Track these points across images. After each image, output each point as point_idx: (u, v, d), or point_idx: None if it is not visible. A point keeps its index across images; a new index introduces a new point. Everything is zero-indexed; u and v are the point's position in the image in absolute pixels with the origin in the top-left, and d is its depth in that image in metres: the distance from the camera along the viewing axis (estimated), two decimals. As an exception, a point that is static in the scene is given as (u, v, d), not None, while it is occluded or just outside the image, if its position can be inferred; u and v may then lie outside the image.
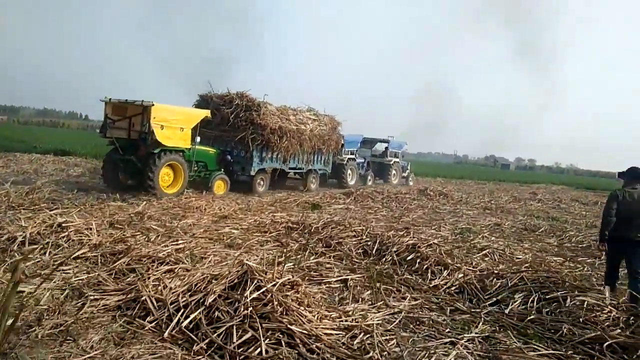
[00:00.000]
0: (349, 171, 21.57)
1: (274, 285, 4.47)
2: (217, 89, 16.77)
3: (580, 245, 10.67)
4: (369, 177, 23.83)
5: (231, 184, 14.88)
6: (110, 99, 12.68)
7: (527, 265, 7.97)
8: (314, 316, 4.38)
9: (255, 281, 4.45)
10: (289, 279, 4.71)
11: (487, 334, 4.79)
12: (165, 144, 12.28)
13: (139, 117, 12.41)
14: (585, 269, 8.25)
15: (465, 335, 4.69)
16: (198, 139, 13.58)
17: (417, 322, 4.99)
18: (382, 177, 25.30)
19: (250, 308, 4.10)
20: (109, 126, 12.55)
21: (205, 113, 13.84)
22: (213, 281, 4.60)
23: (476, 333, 4.77)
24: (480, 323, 5.03)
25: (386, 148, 25.58)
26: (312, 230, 8.73)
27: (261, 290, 4.35)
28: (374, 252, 7.57)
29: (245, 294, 4.24)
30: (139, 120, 12.39)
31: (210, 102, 15.90)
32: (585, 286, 5.69)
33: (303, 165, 17.88)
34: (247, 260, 5.35)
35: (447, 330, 4.85)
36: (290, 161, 17.07)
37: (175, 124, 12.66)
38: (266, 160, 15.97)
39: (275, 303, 4.20)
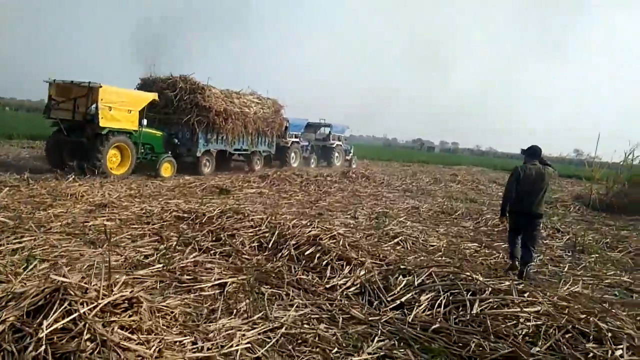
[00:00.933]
0: (293, 154, 21.86)
1: (95, 307, 3.20)
2: (161, 72, 16.80)
3: (497, 229, 10.16)
4: (312, 160, 24.03)
5: (177, 166, 14.76)
6: (54, 80, 12.44)
7: (440, 254, 7.22)
8: (152, 348, 3.17)
9: (67, 302, 3.15)
10: (123, 295, 3.45)
11: (384, 353, 3.82)
12: (113, 126, 12.28)
13: (83, 98, 12.28)
14: (501, 256, 7.63)
15: (354, 358, 3.67)
16: (145, 121, 13.50)
17: (299, 342, 3.91)
18: (325, 160, 25.54)
19: (45, 346, 2.82)
20: (52, 107, 12.46)
21: (153, 96, 13.82)
22: (10, 303, 3.26)
23: (370, 353, 3.77)
24: (377, 338, 4.05)
25: (329, 132, 25.95)
26: (204, 221, 7.45)
27: (72, 317, 3.07)
28: (270, 246, 6.44)
29: (44, 325, 2.95)
30: (84, 102, 12.27)
31: (153, 86, 15.82)
32: (499, 287, 4.85)
33: (247, 147, 18.10)
34: (104, 261, 4.07)
35: (334, 351, 3.81)
36: (234, 143, 17.25)
37: (123, 105, 12.64)
38: (211, 142, 16.17)
39: (86, 337, 2.94)
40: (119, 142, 12.57)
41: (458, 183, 21.73)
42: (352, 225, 8.77)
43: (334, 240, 6.40)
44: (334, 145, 25.68)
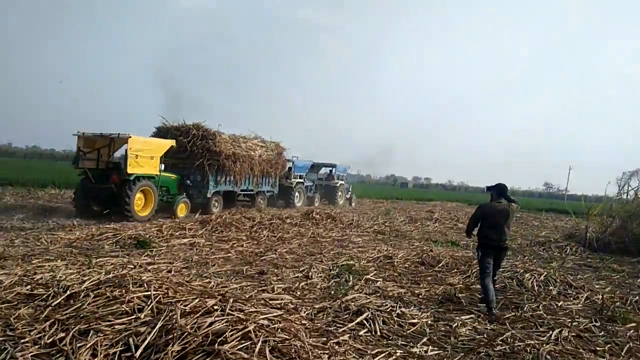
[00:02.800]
0: (297, 193, 22.39)
1: None
2: (175, 119, 17.41)
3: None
4: (316, 199, 24.62)
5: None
6: (83, 133, 13.18)
7: (424, 341, 4.61)
8: None
9: None
10: None
11: None
12: (139, 172, 12.99)
13: (106, 148, 13.71)
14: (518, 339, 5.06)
15: None
16: (162, 166, 14.14)
17: None
18: (328, 199, 25.91)
19: None
20: (81, 158, 13.20)
21: (172, 143, 14.65)
22: None
23: None
24: None
25: (330, 172, 26.87)
26: (61, 302, 4.67)
27: None
28: (138, 355, 3.70)
29: None
30: (106, 152, 13.74)
31: (168, 133, 16.48)
32: None
33: (252, 187, 18.85)
34: None
35: None
36: (241, 184, 17.96)
37: (147, 153, 13.35)
38: (220, 184, 16.89)
39: None
40: (144, 187, 13.24)
41: (435, 221, 19.32)
42: (296, 296, 6.09)
43: (248, 342, 3.69)
44: (338, 185, 26.28)
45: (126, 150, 12.93)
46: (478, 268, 6.83)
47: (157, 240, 9.62)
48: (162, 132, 16.89)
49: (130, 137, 12.87)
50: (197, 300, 4.45)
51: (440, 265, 9.02)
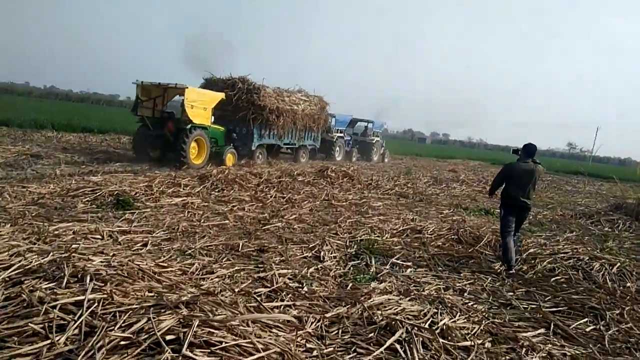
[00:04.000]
0: (337, 148, 22.45)
1: None
2: (220, 72, 17.64)
3: (555, 278, 5.96)
4: (354, 154, 24.25)
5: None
6: (142, 81, 13.56)
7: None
8: None
9: None
10: None
11: None
12: (194, 122, 13.29)
13: (160, 97, 13.93)
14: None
15: None
16: (213, 118, 14.47)
17: None
18: (363, 155, 25.37)
19: None
20: (140, 106, 13.70)
21: (222, 95, 14.97)
22: None
23: None
24: None
25: (366, 127, 26.65)
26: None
27: None
28: None
29: None
30: (161, 101, 13.99)
31: (215, 86, 16.63)
32: None
33: (295, 142, 18.96)
34: None
35: None
36: (284, 138, 18.15)
37: (201, 104, 13.70)
38: (264, 137, 17.11)
39: None
40: (198, 136, 13.56)
41: (462, 183, 17.53)
42: (301, 294, 4.50)
43: None
44: (374, 141, 25.99)
45: (183, 100, 13.27)
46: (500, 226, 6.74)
47: (143, 199, 8.07)
48: (210, 84, 17.13)
49: (187, 87, 13.29)
50: (144, 321, 2.86)
51: (480, 243, 7.34)
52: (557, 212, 12.80)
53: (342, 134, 23.25)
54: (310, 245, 6.43)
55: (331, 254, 6.18)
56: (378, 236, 7.45)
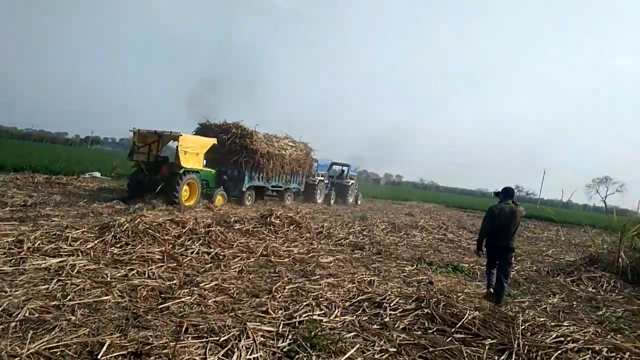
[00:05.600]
0: (318, 191, 22.85)
1: None
2: (212, 117, 18.40)
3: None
4: (332, 196, 24.47)
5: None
6: (139, 129, 14.14)
7: None
8: None
9: None
10: None
11: None
12: (187, 166, 13.93)
13: (156, 143, 14.72)
14: None
15: None
16: (204, 162, 15.07)
17: None
18: (339, 197, 25.44)
19: None
20: (135, 151, 14.32)
21: (214, 141, 15.52)
22: None
23: None
24: None
25: (342, 171, 26.97)
26: None
27: None
28: None
29: None
30: (156, 147, 14.79)
31: (209, 130, 17.49)
32: None
33: (282, 184, 19.61)
34: None
35: None
36: (272, 180, 18.73)
37: (193, 150, 14.37)
38: (254, 179, 17.63)
39: None
40: (190, 180, 14.14)
41: (421, 230, 15.85)
42: None
43: None
44: (350, 184, 26.14)
45: (177, 146, 13.84)
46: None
47: (4, 258, 5.68)
48: (204, 129, 17.87)
49: (180, 135, 13.92)
50: None
51: (460, 323, 5.39)
52: (529, 267, 11.21)
53: (323, 178, 23.83)
54: (222, 339, 4.27)
55: (251, 354, 4.05)
56: (323, 315, 5.39)
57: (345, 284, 7.06)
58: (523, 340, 4.94)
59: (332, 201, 24.30)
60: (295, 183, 20.71)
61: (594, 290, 9.14)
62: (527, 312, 6.35)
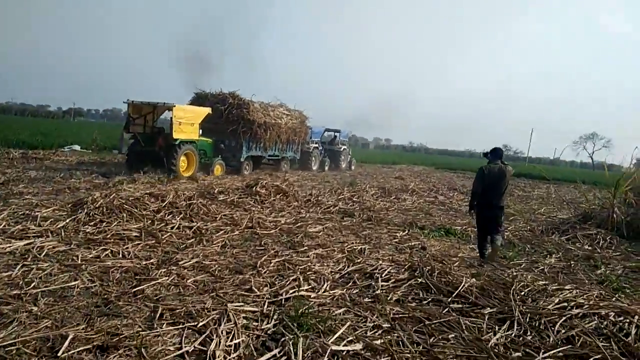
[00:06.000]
0: (313, 158, 23.00)
1: None
2: (207, 86, 18.39)
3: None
4: (326, 163, 24.52)
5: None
6: (132, 100, 14.06)
7: None
8: None
9: None
10: None
11: None
12: (183, 137, 14.05)
13: (150, 115, 14.68)
14: None
15: None
16: (200, 131, 15.09)
17: None
18: (334, 163, 25.42)
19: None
20: (131, 123, 14.31)
21: (208, 111, 15.49)
22: None
23: None
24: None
25: (335, 136, 26.81)
26: None
27: None
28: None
29: None
30: (151, 118, 14.75)
31: (205, 100, 17.36)
32: None
33: (279, 153, 19.77)
34: None
35: None
36: (269, 150, 18.83)
37: (188, 120, 14.39)
38: (252, 149, 17.79)
39: None
40: (187, 150, 14.21)
41: (412, 193, 15.55)
42: None
43: None
44: (342, 149, 26.23)
45: (171, 117, 13.82)
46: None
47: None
48: (200, 99, 17.73)
49: (174, 105, 13.85)
50: None
51: (457, 292, 5.08)
52: (523, 226, 10.99)
53: (317, 145, 23.92)
54: (200, 324, 3.90)
55: (232, 339, 3.69)
56: (311, 289, 5.05)
57: (334, 254, 6.71)
58: (524, 307, 4.64)
59: (326, 167, 24.40)
60: (291, 151, 20.85)
61: (590, 248, 8.94)
62: (525, 275, 6.07)
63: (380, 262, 6.21)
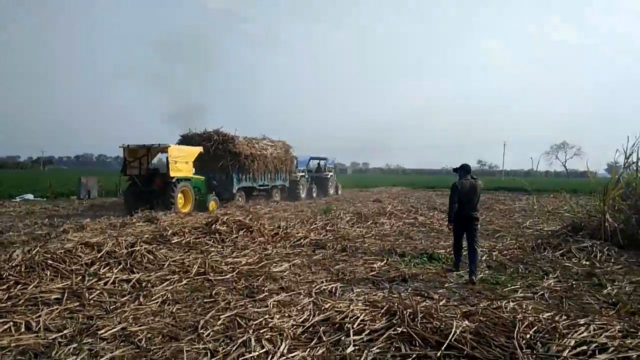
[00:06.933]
0: (301, 186, 23.27)
1: None
2: (193, 127, 19.07)
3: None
4: (313, 190, 24.96)
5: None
6: (128, 145, 14.76)
7: None
8: None
9: None
10: None
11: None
12: (178, 175, 14.71)
13: (145, 157, 15.26)
14: None
15: None
16: (193, 170, 15.82)
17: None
18: (320, 190, 25.82)
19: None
20: (127, 166, 14.93)
21: (200, 149, 16.35)
22: None
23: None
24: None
25: (319, 164, 27.30)
26: None
27: None
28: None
29: None
30: (146, 159, 15.34)
31: (192, 140, 18.04)
32: None
33: (268, 182, 20.41)
34: None
35: None
36: (259, 180, 19.57)
37: (183, 159, 15.07)
38: (242, 181, 18.59)
39: None
40: (183, 187, 14.95)
41: (390, 216, 14.56)
42: None
43: None
44: (328, 176, 26.93)
45: (167, 157, 14.61)
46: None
47: None
48: (186, 139, 18.34)
49: (169, 146, 14.75)
50: None
51: (447, 342, 4.02)
52: (511, 243, 10.08)
53: (303, 173, 24.24)
54: None
55: None
56: (266, 354, 3.93)
57: (299, 299, 5.61)
58: (533, 357, 3.60)
59: (314, 194, 24.75)
60: (280, 180, 21.52)
61: (588, 263, 8.02)
62: (525, 306, 5.06)
63: (354, 305, 5.13)
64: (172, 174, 14.33)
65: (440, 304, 5.15)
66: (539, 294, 6.10)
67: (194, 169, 15.78)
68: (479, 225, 7.49)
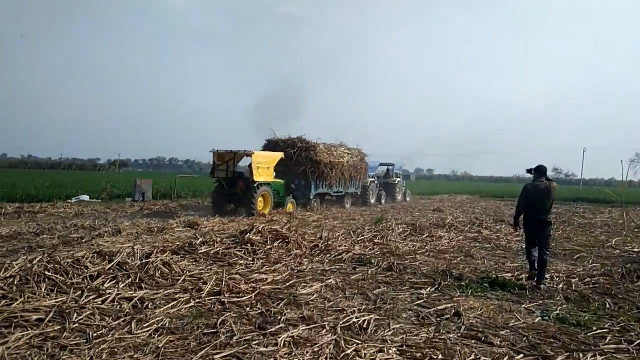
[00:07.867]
0: (371, 192, 23.39)
1: None
2: (278, 132, 19.87)
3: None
4: (382, 196, 24.87)
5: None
6: (217, 150, 16.23)
7: None
8: None
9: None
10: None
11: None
12: (260, 180, 15.70)
13: (232, 161, 16.74)
14: None
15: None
16: (274, 174, 16.87)
17: None
18: (388, 196, 25.75)
19: None
20: (216, 169, 16.40)
21: (281, 155, 17.35)
22: None
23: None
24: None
25: (388, 170, 27.30)
26: None
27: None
28: None
29: None
30: (232, 163, 16.79)
31: (276, 145, 19.08)
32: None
33: (342, 189, 20.76)
34: None
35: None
36: (334, 187, 20.08)
37: (265, 164, 16.17)
38: (319, 187, 19.28)
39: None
40: (264, 192, 15.90)
41: (449, 229, 13.00)
42: None
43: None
44: (396, 182, 26.79)
45: (250, 162, 15.91)
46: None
47: None
48: (271, 144, 19.35)
49: (253, 152, 15.97)
50: None
51: None
52: (595, 267, 8.32)
53: (373, 179, 24.34)
54: None
55: None
56: None
57: (319, 335, 4.49)
58: None
59: (382, 200, 24.68)
60: (353, 187, 21.75)
61: None
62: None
63: (385, 350, 3.93)
64: (255, 179, 15.35)
65: (500, 351, 3.81)
66: (635, 343, 4.57)
67: (274, 173, 16.70)
68: (551, 231, 7.28)
